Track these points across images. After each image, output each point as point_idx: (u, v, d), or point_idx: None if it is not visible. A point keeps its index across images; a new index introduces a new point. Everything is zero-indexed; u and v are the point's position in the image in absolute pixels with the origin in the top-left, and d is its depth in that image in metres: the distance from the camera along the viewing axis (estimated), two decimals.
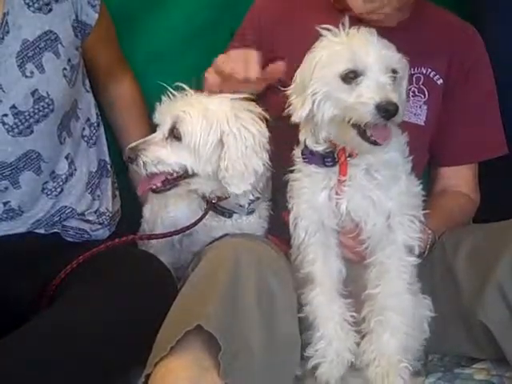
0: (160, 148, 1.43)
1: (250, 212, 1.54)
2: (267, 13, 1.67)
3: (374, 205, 1.35)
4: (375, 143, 1.28)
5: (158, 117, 1.47)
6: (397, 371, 1.32)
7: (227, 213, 1.54)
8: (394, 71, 1.28)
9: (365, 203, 1.35)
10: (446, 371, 1.49)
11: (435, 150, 1.66)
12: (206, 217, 1.51)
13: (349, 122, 1.27)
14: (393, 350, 1.33)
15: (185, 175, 1.46)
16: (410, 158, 1.40)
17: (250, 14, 1.71)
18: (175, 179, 1.46)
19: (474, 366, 1.49)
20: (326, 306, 1.37)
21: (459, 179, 1.68)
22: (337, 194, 1.35)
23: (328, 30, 1.32)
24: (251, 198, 1.52)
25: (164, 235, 1.51)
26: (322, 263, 1.40)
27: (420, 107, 1.59)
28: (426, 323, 1.43)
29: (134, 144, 1.45)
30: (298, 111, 1.32)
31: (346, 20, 1.31)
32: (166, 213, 1.56)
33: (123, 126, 1.81)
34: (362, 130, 1.27)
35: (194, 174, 1.45)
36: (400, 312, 1.34)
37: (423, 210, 1.41)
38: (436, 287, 1.51)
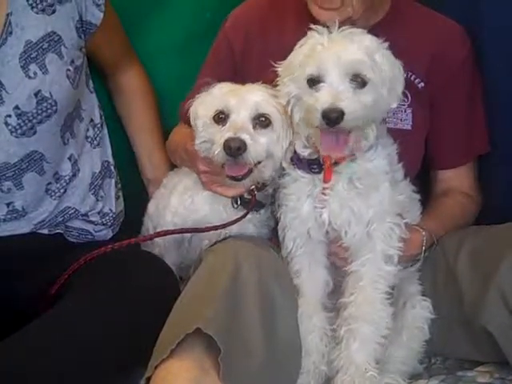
0: (259, 137, 1.39)
1: (273, 203, 1.52)
2: (237, 41, 1.64)
3: (354, 214, 1.35)
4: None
5: (229, 102, 1.41)
6: (363, 380, 1.32)
7: (258, 206, 1.51)
8: (359, 76, 1.27)
9: (345, 212, 1.36)
10: (448, 374, 1.48)
11: (430, 153, 1.65)
12: (227, 211, 1.50)
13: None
14: (361, 359, 1.33)
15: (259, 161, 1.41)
16: (400, 165, 1.42)
17: (219, 44, 1.69)
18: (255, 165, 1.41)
19: (476, 368, 1.49)
20: (306, 318, 1.39)
21: (459, 180, 1.67)
22: (319, 201, 1.36)
23: (315, 29, 1.33)
24: (270, 190, 1.51)
25: (209, 229, 1.46)
26: (307, 275, 1.41)
27: (405, 111, 1.56)
28: (426, 325, 1.43)
29: (232, 135, 1.36)
30: (283, 96, 1.35)
31: (336, 22, 1.31)
32: (188, 214, 1.54)
33: (129, 114, 1.83)
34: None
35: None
36: (371, 321, 1.34)
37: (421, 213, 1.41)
38: (438, 290, 1.50)
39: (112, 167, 1.69)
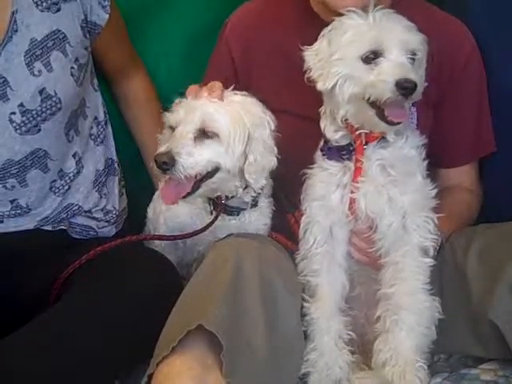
0: (195, 149, 1.38)
1: (254, 205, 1.54)
2: (237, 50, 1.63)
3: (390, 201, 1.36)
4: (392, 123, 1.31)
5: (179, 115, 1.42)
6: (414, 371, 1.32)
7: (235, 211, 1.53)
8: (414, 53, 1.31)
9: (380, 199, 1.36)
10: (451, 371, 1.48)
11: (436, 152, 1.63)
12: (210, 217, 1.50)
13: (368, 100, 1.30)
14: (409, 349, 1.33)
15: (209, 175, 1.42)
16: (426, 161, 1.42)
17: (219, 52, 1.68)
18: (201, 180, 1.41)
19: (480, 366, 1.48)
20: (324, 320, 1.39)
21: (462, 177, 1.67)
22: (353, 181, 1.36)
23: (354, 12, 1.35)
24: (253, 194, 1.51)
25: (174, 237, 1.50)
26: (326, 277, 1.41)
27: (410, 110, 1.53)
28: (433, 325, 1.42)
29: (164, 149, 1.36)
30: (325, 81, 1.35)
31: (372, 3, 1.32)
32: (173, 217, 1.55)
33: (137, 121, 1.83)
34: (380, 110, 1.31)
35: (214, 172, 1.42)
36: (415, 311, 1.35)
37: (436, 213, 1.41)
38: (444, 287, 1.49)
39: (116, 165, 1.70)
